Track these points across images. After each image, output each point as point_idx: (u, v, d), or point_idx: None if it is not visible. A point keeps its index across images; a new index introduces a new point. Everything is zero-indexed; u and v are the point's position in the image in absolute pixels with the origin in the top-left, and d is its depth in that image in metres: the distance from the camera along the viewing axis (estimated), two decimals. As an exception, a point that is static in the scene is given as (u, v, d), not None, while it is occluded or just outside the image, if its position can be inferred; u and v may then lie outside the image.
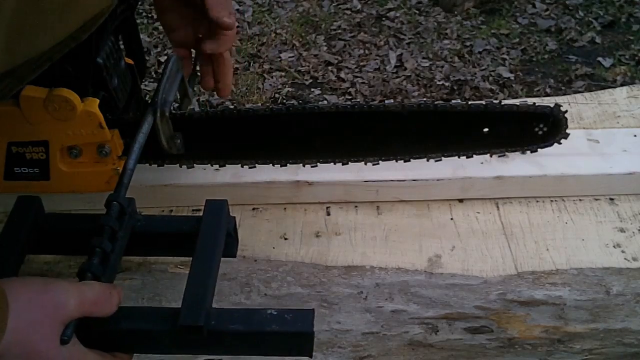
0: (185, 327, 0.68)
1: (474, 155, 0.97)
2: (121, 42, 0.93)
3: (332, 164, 0.96)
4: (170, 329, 0.68)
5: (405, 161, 0.96)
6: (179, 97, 0.96)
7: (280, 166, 0.96)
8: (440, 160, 0.96)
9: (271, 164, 0.96)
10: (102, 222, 0.73)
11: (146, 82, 2.59)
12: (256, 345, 0.71)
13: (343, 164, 0.96)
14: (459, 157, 0.97)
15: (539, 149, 0.98)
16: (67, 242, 0.80)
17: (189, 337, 0.69)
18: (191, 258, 0.74)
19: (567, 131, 0.97)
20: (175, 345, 0.71)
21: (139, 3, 0.96)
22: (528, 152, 0.99)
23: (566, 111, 0.94)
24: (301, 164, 0.96)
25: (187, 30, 0.96)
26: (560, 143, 0.98)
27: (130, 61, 0.94)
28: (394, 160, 0.96)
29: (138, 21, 1.20)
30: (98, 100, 0.84)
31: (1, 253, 0.74)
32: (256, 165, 0.96)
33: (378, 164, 0.96)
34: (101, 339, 0.69)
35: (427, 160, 0.96)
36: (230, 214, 0.81)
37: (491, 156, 0.99)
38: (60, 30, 0.73)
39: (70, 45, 0.77)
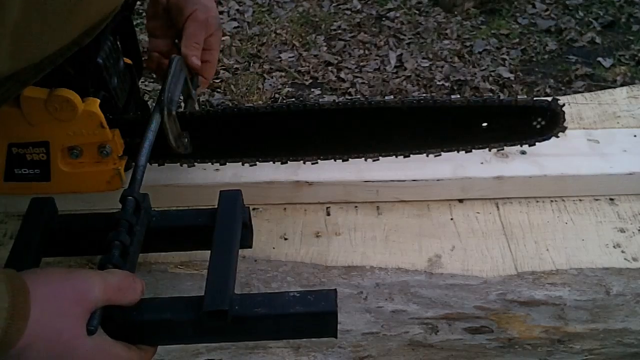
0: (210, 313, 0.68)
1: (473, 150, 0.97)
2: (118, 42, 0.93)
3: (332, 160, 0.96)
4: (194, 317, 0.69)
5: (405, 157, 0.96)
6: (182, 98, 0.97)
7: (281, 163, 0.96)
8: (440, 155, 0.96)
9: (272, 162, 0.96)
10: (119, 216, 0.73)
11: (146, 82, 2.59)
12: (280, 328, 0.72)
13: (343, 161, 0.96)
14: (457, 152, 0.97)
15: (537, 143, 0.98)
16: (82, 243, 0.80)
17: (213, 324, 0.69)
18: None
19: (567, 131, 0.97)
20: (200, 333, 0.71)
21: (139, 3, 0.96)
22: (526, 145, 0.99)
23: (564, 104, 0.94)
24: (301, 162, 0.96)
25: (165, 41, 0.97)
26: (558, 136, 0.97)
27: (128, 61, 0.94)
28: (394, 156, 0.96)
29: (137, 21, 1.20)
30: (99, 100, 0.84)
31: (17, 257, 0.74)
32: (257, 163, 0.96)
33: (378, 159, 0.96)
34: (126, 331, 0.69)
35: (427, 156, 0.96)
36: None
37: (490, 150, 0.98)
38: (64, 35, 0.74)
39: (73, 50, 0.77)
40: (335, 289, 0.71)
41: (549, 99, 0.94)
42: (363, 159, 0.96)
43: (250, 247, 0.83)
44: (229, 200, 0.79)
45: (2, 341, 0.59)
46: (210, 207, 0.80)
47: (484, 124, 0.94)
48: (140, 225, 0.76)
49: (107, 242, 0.71)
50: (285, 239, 0.96)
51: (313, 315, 0.70)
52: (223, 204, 0.79)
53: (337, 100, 0.91)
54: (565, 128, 0.96)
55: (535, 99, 0.93)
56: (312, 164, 0.96)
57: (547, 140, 0.97)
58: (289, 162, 0.96)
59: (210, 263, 0.73)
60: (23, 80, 0.75)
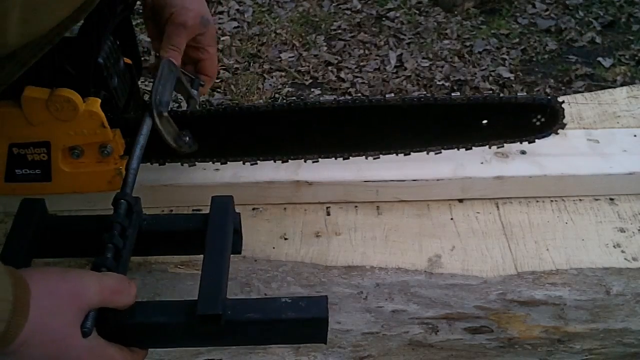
0: (204, 317, 0.68)
1: (473, 147, 0.97)
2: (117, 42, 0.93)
3: (332, 159, 0.96)
4: (188, 320, 0.69)
5: (405, 154, 0.96)
6: (185, 99, 0.98)
7: (282, 162, 0.96)
8: (440, 152, 0.96)
9: (272, 160, 0.96)
10: (112, 219, 0.74)
11: (146, 82, 2.59)
12: (272, 334, 0.72)
13: (344, 159, 0.96)
14: (458, 149, 0.97)
15: (536, 140, 0.98)
16: (72, 244, 0.81)
17: (206, 328, 0.69)
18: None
19: (567, 131, 0.97)
20: (193, 336, 0.71)
21: (138, 3, 0.97)
22: (526, 142, 0.99)
23: (563, 101, 0.95)
24: (302, 160, 0.96)
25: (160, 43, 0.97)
26: (557, 133, 0.97)
27: (128, 61, 0.95)
28: (394, 154, 0.96)
29: (137, 21, 1.20)
30: (100, 100, 0.84)
31: (8, 257, 0.74)
32: (258, 162, 0.96)
33: (379, 157, 0.96)
34: (119, 334, 0.70)
35: (427, 154, 0.96)
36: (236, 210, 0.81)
37: (490, 147, 0.98)
38: (68, 4, 0.74)
39: (69, 27, 0.77)
40: (326, 296, 0.72)
41: (549, 96, 0.94)
42: (364, 156, 0.96)
43: (240, 253, 0.84)
44: (221, 206, 0.80)
45: (4, 336, 0.59)
46: (196, 211, 0.80)
47: (484, 122, 0.94)
48: (132, 229, 0.76)
49: (101, 245, 0.72)
50: (285, 239, 0.96)
51: (304, 321, 0.71)
52: (215, 209, 0.79)
53: (337, 99, 0.91)
54: (565, 125, 0.97)
55: (535, 96, 0.94)
56: (313, 162, 0.96)
57: (546, 137, 0.97)
58: (290, 160, 0.96)
59: (204, 267, 0.73)
60: (21, 61, 0.75)
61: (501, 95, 0.95)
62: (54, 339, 0.63)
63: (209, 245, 0.75)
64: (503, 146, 1.00)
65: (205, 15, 0.95)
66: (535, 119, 0.95)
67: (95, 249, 0.72)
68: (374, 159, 0.96)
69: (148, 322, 0.70)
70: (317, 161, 0.96)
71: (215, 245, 0.75)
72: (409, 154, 0.96)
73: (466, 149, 0.97)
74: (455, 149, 0.97)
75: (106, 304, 0.67)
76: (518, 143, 0.99)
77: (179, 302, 0.72)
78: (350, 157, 0.96)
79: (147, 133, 0.84)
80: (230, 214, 0.79)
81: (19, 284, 0.61)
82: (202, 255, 0.80)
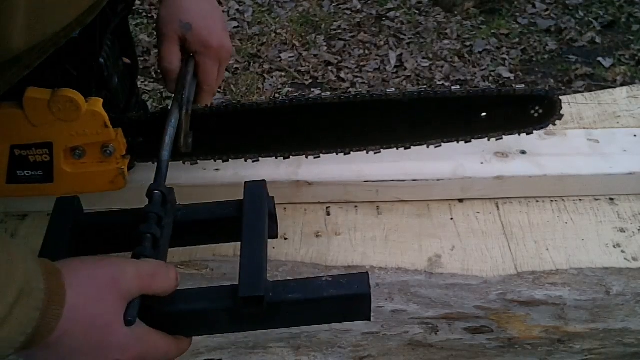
0: (246, 299, 0.67)
1: (472, 140, 0.97)
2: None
3: (333, 156, 0.96)
4: (230, 305, 0.68)
5: (405, 148, 0.96)
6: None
7: (284, 158, 0.96)
8: (440, 146, 0.96)
9: (274, 157, 0.96)
10: (148, 210, 0.74)
11: (146, 82, 2.59)
12: (315, 313, 0.71)
13: (345, 154, 0.96)
14: (457, 142, 0.97)
15: (534, 131, 0.98)
16: (110, 240, 0.80)
17: (249, 310, 0.69)
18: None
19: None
20: (235, 321, 0.71)
21: (138, 3, 0.97)
22: (524, 134, 0.99)
23: (560, 94, 0.95)
24: (304, 156, 0.96)
25: None
26: (555, 124, 0.98)
27: (127, 60, 0.95)
28: (395, 148, 0.96)
29: (138, 21, 1.20)
30: (102, 100, 0.84)
31: (48, 257, 0.74)
32: (259, 159, 0.96)
33: (379, 152, 0.96)
34: (162, 322, 0.69)
35: (427, 147, 0.97)
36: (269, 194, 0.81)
37: (489, 140, 0.99)
38: (74, 8, 0.74)
39: (75, 29, 0.77)
40: (367, 272, 0.71)
41: (547, 88, 0.94)
42: (364, 151, 0.96)
43: (276, 237, 0.83)
44: (255, 190, 0.79)
45: (40, 325, 0.58)
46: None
47: (483, 114, 0.94)
48: (168, 219, 0.76)
49: (138, 235, 0.71)
50: (285, 239, 0.96)
51: (347, 298, 0.69)
52: (249, 194, 0.79)
53: (338, 94, 0.91)
54: (562, 116, 0.97)
55: (532, 87, 0.94)
56: (315, 157, 0.96)
57: (544, 128, 0.98)
58: (291, 157, 0.96)
59: (242, 252, 0.72)
60: (26, 64, 0.74)
61: (500, 88, 0.95)
62: (95, 326, 0.62)
63: (246, 230, 0.74)
64: (502, 138, 0.99)
65: (184, 20, 0.93)
66: (534, 111, 0.95)
67: (134, 242, 0.72)
68: (375, 153, 0.96)
69: (190, 309, 0.70)
70: (319, 157, 0.96)
71: (252, 229, 0.74)
72: (409, 148, 0.96)
73: (465, 142, 0.97)
74: (455, 142, 0.97)
75: (146, 290, 0.66)
76: (517, 135, 0.99)
77: (219, 288, 0.72)
78: (351, 153, 0.96)
79: (175, 125, 0.85)
80: (264, 197, 0.78)
81: (51, 273, 0.60)
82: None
